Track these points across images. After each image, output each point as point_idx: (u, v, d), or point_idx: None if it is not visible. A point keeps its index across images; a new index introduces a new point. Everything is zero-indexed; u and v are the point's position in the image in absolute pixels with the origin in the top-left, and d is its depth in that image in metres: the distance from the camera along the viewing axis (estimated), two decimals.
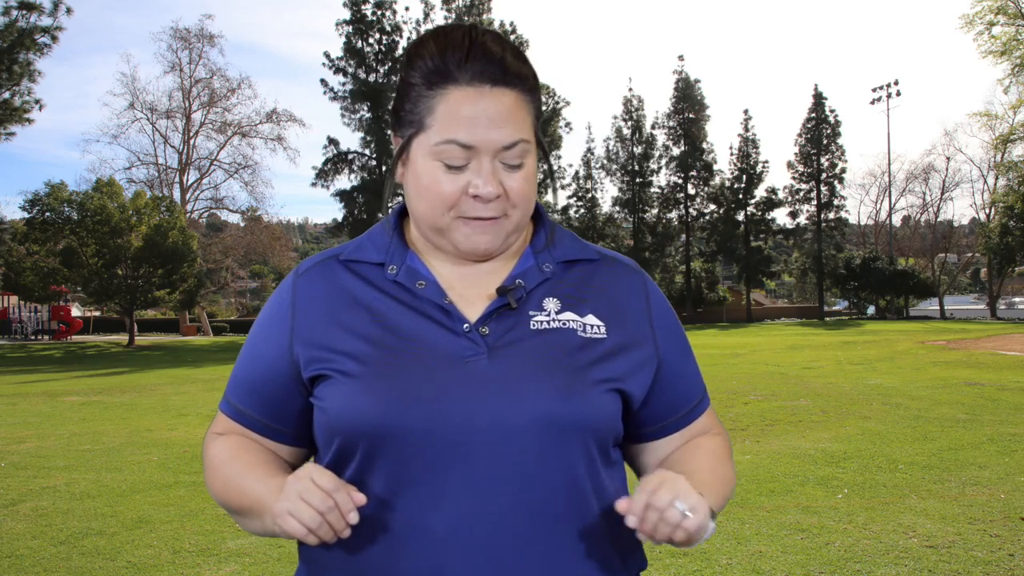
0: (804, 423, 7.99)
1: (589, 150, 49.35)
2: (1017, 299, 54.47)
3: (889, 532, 4.30)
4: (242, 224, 46.16)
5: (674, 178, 48.85)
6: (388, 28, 38.09)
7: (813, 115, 49.14)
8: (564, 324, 1.01)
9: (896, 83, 50.55)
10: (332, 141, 38.56)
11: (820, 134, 48.88)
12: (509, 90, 0.97)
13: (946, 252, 53.90)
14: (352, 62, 37.90)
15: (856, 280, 47.74)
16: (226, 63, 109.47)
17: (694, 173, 48.36)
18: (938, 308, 49.70)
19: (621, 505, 0.91)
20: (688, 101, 48.34)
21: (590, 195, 48.44)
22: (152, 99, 50.70)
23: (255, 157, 53.20)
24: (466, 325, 0.99)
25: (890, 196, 54.36)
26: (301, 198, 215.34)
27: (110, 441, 7.90)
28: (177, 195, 43.15)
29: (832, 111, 49.34)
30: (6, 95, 29.43)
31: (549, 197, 40.36)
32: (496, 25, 39.16)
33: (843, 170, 49.11)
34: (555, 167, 45.57)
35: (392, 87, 37.51)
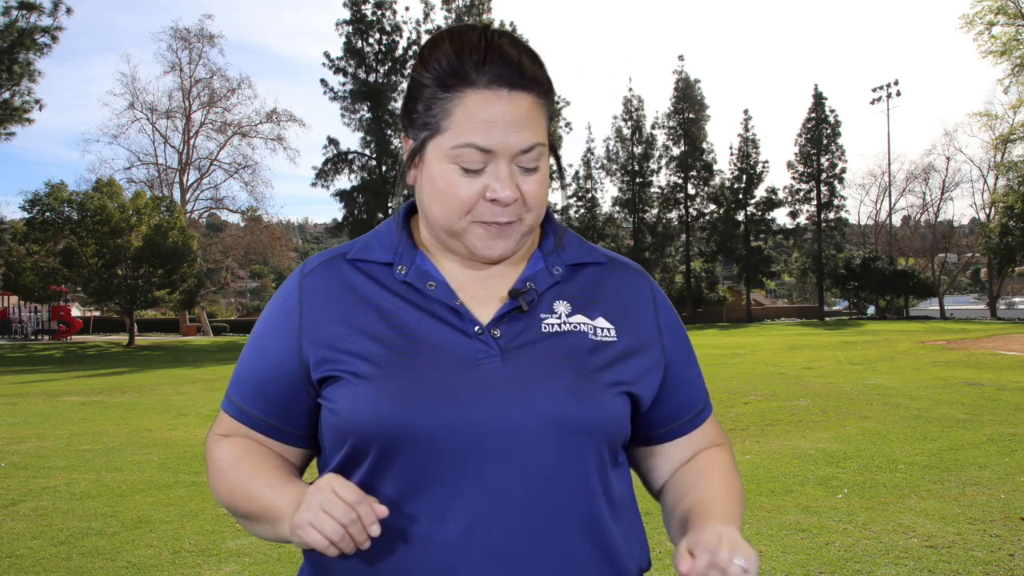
0: (804, 423, 7.99)
1: (589, 150, 49.38)
2: (1017, 299, 54.49)
3: (889, 532, 4.29)
4: (242, 224, 46.19)
5: (674, 178, 48.87)
6: (388, 28, 38.07)
7: (813, 115, 49.15)
8: (575, 327, 1.02)
9: (896, 83, 50.57)
10: (332, 141, 38.54)
11: (820, 134, 48.89)
12: (526, 94, 0.96)
13: (946, 252, 53.90)
14: (352, 62, 37.88)
15: (856, 280, 47.74)
16: (226, 63, 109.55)
17: (694, 173, 48.36)
18: (938, 308, 49.70)
19: (683, 567, 0.89)
20: (688, 101, 48.34)
21: (590, 195, 48.44)
22: (152, 99, 50.81)
23: (255, 157, 53.37)
24: (478, 327, 0.99)
25: (890, 196, 54.43)
26: (301, 198, 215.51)
27: (110, 441, 7.90)
28: (177, 195, 43.19)
29: (832, 111, 49.38)
30: (6, 95, 29.43)
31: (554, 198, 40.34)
32: (496, 25, 39.14)
33: (843, 170, 49.13)
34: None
35: (392, 87, 37.50)
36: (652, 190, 48.46)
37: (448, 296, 1.01)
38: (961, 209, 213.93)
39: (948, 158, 55.76)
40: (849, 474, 5.70)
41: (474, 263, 1.04)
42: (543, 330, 1.01)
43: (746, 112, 51.49)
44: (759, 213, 48.74)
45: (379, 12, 37.90)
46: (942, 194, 53.92)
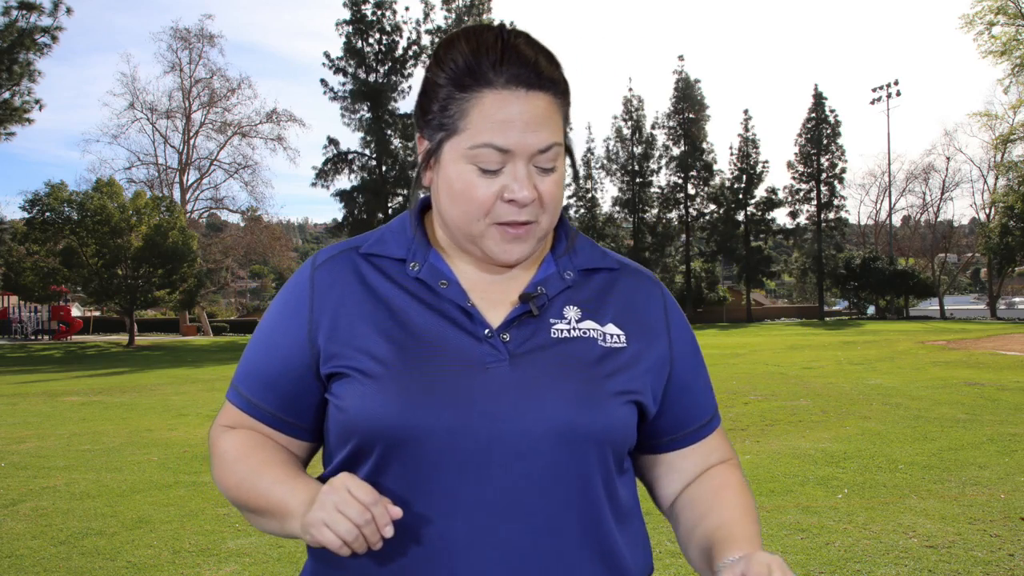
0: (804, 423, 7.99)
1: (589, 150, 49.38)
2: (1017, 299, 54.49)
3: (889, 532, 4.30)
4: (242, 224, 46.19)
5: (674, 178, 48.87)
6: (388, 28, 38.06)
7: (813, 115, 49.16)
8: (584, 333, 1.01)
9: (896, 83, 50.58)
10: (332, 141, 38.52)
11: (820, 134, 48.89)
12: (543, 94, 0.96)
13: (946, 252, 53.90)
14: (352, 62, 37.87)
15: (856, 280, 47.75)
16: (226, 63, 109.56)
17: (694, 173, 48.36)
18: (938, 308, 49.70)
19: None
20: (688, 101, 48.34)
21: (590, 195, 48.45)
22: (152, 99, 50.83)
23: (255, 157, 53.38)
24: (487, 330, 0.99)
25: (890, 196, 54.44)
26: (301, 198, 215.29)
27: (110, 441, 7.90)
28: (177, 195, 43.20)
29: (832, 111, 49.40)
30: (6, 95, 29.43)
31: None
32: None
33: (843, 170, 49.14)
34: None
35: (392, 87, 37.50)
36: (652, 190, 48.46)
37: (460, 297, 1.00)
38: (961, 209, 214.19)
39: (948, 158, 55.81)
40: (849, 474, 5.70)
41: (488, 265, 1.03)
42: (552, 335, 1.00)
43: (746, 112, 51.56)
44: (759, 213, 48.74)
45: (379, 12, 37.89)
46: (942, 194, 53.99)
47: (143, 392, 13.22)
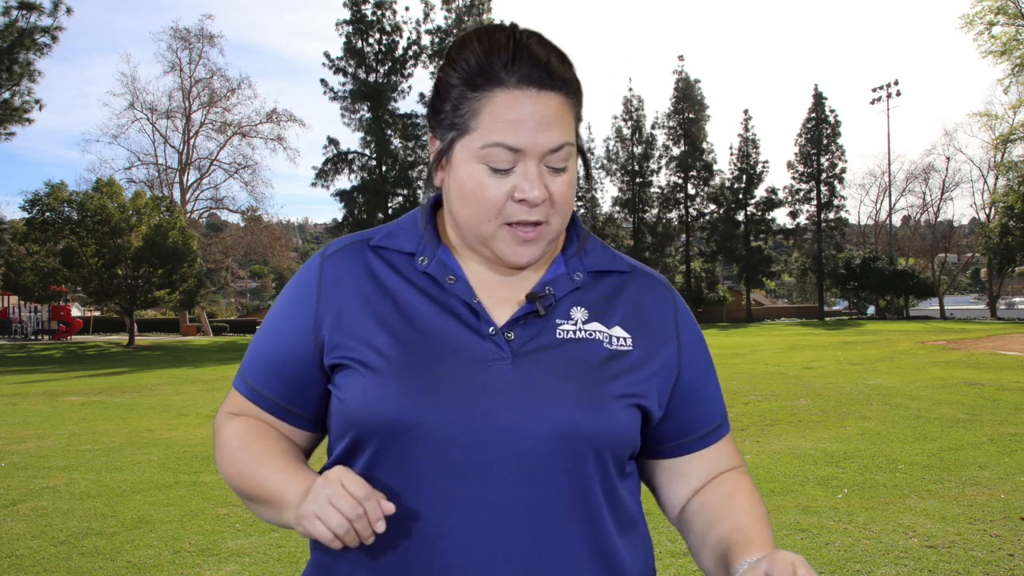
0: (804, 423, 7.99)
1: (589, 150, 49.24)
2: (1017, 299, 54.50)
3: (889, 532, 4.30)
4: (242, 224, 46.18)
5: (674, 178, 48.88)
6: (388, 28, 38.06)
7: (813, 115, 49.16)
8: (590, 335, 1.01)
9: (896, 83, 50.58)
10: (332, 141, 38.53)
11: (820, 134, 48.90)
12: (555, 94, 0.96)
13: (946, 252, 53.90)
14: (352, 62, 37.87)
15: (856, 280, 47.75)
16: (226, 63, 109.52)
17: (694, 173, 48.37)
18: (938, 308, 49.70)
19: None
20: (688, 101, 48.35)
21: (590, 195, 48.45)
22: (152, 99, 50.82)
23: (255, 157, 53.36)
24: (492, 328, 0.98)
25: (890, 196, 54.43)
26: (301, 198, 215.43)
27: (110, 441, 7.90)
28: (177, 195, 43.19)
29: (832, 111, 49.40)
30: (6, 95, 29.44)
31: None
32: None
33: (843, 170, 49.14)
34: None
35: (392, 87, 37.50)
36: (652, 190, 48.47)
37: (467, 293, 1.00)
38: (961, 209, 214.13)
39: (948, 158, 55.83)
40: (849, 474, 5.70)
41: (498, 266, 1.03)
42: (557, 336, 1.00)
43: (746, 112, 51.56)
44: (759, 213, 48.74)
45: (379, 12, 37.90)
46: (942, 194, 53.99)
47: (143, 392, 13.22)
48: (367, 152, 38.14)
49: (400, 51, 38.17)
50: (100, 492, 5.65)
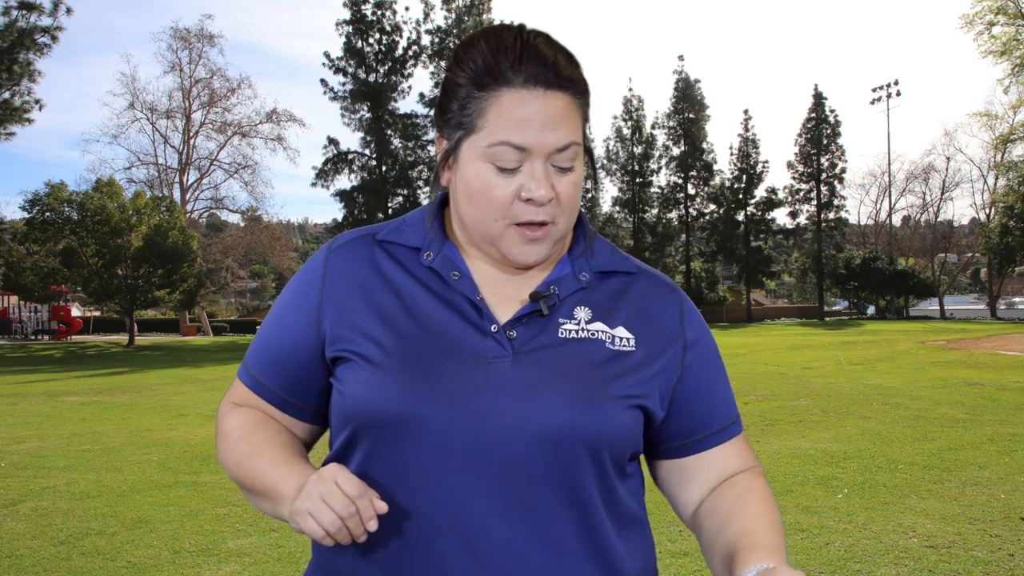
0: (804, 423, 8.00)
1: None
2: (1017, 299, 54.51)
3: (889, 532, 4.30)
4: (242, 224, 46.17)
5: (674, 178, 48.88)
6: (388, 28, 38.06)
7: (813, 115, 49.17)
8: (593, 335, 1.01)
9: (896, 83, 50.59)
10: (332, 141, 38.52)
11: (820, 134, 48.90)
12: (562, 93, 0.96)
13: (946, 252, 53.90)
14: (352, 62, 37.86)
15: (856, 280, 47.76)
16: (226, 63, 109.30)
17: (694, 173, 48.38)
18: (938, 308, 49.71)
19: None
20: (688, 101, 48.35)
21: (590, 195, 48.43)
22: (152, 99, 50.81)
23: (255, 157, 53.26)
24: (494, 326, 0.98)
25: (890, 196, 54.44)
26: (301, 198, 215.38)
27: (110, 441, 7.90)
28: (177, 195, 43.18)
29: (832, 111, 49.42)
30: (6, 95, 29.44)
31: None
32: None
33: (843, 170, 49.15)
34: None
35: (392, 87, 37.50)
36: (652, 190, 48.48)
37: (470, 290, 1.00)
38: (961, 209, 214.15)
39: (948, 158, 55.82)
40: (849, 474, 5.70)
41: (504, 265, 1.03)
42: (560, 335, 1.00)
43: (746, 112, 51.61)
44: (759, 213, 48.75)
45: (379, 12, 37.89)
46: (942, 194, 53.99)
47: (143, 392, 13.22)
48: (367, 152, 38.14)
49: (400, 51, 38.18)
50: (100, 492, 5.65)
